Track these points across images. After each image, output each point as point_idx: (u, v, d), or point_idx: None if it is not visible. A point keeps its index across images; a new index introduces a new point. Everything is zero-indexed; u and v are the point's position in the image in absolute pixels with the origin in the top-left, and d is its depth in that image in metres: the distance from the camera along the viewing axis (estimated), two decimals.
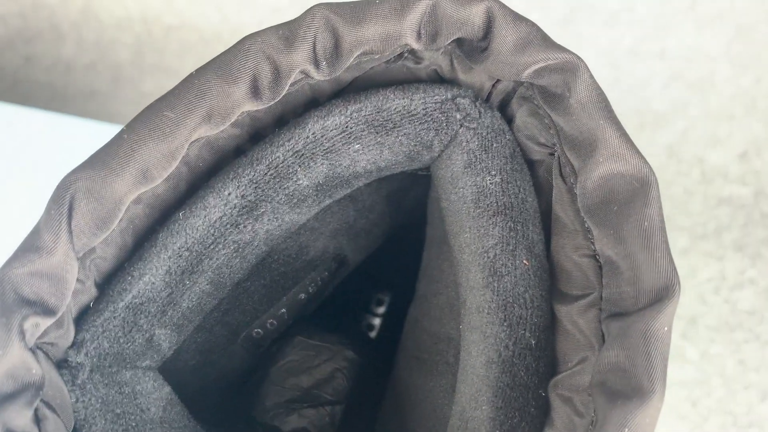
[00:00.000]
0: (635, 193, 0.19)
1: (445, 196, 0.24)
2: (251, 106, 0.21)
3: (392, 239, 0.36)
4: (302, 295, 0.31)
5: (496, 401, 0.21)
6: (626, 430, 0.17)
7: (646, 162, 0.19)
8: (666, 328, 0.18)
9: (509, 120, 0.23)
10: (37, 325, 0.18)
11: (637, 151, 0.20)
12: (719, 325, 0.69)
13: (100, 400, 0.20)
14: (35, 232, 0.18)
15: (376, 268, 0.41)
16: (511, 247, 0.22)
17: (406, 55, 0.23)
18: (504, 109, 0.24)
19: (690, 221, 0.69)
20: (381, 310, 0.52)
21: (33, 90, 0.69)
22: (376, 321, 0.52)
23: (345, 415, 0.32)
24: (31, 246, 0.18)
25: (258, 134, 0.24)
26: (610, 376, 0.18)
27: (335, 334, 0.34)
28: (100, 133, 0.50)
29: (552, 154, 0.22)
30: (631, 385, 0.17)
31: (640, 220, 0.19)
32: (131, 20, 0.67)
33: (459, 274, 0.24)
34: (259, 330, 0.31)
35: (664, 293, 0.18)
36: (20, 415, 0.17)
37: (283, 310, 0.31)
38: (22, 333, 0.17)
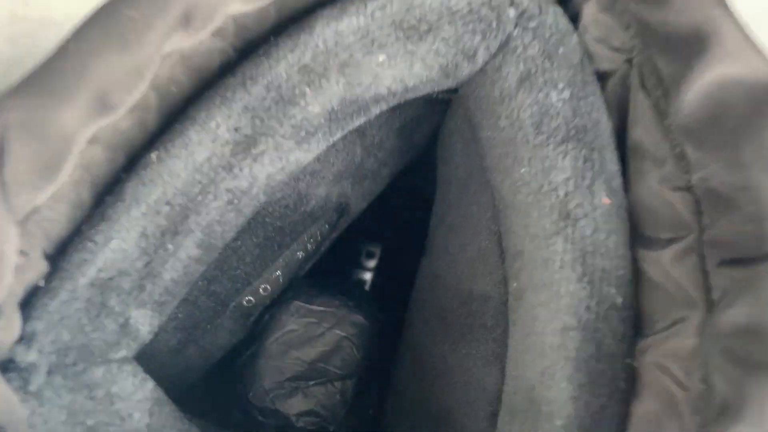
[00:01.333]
0: (760, 105, 0.15)
1: (488, 122, 0.19)
2: (239, 6, 0.16)
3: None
4: (300, 254, 0.26)
5: (579, 377, 0.16)
6: None
7: None
8: None
9: (572, 19, 0.18)
10: None
11: (760, 51, 0.15)
12: None
13: (65, 411, 0.15)
14: None
15: (365, 217, 0.36)
16: (587, 182, 0.17)
17: None
18: (566, 3, 0.18)
19: None
20: (372, 263, 0.48)
21: None
22: (367, 275, 0.47)
23: (356, 390, 0.28)
24: None
25: (248, 49, 0.18)
26: (738, 342, 0.14)
27: (337, 297, 0.29)
28: None
29: (629, 61, 0.18)
30: None
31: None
32: None
33: (509, 220, 0.19)
34: (251, 298, 0.26)
35: None
36: None
37: (278, 272, 0.26)
38: None
